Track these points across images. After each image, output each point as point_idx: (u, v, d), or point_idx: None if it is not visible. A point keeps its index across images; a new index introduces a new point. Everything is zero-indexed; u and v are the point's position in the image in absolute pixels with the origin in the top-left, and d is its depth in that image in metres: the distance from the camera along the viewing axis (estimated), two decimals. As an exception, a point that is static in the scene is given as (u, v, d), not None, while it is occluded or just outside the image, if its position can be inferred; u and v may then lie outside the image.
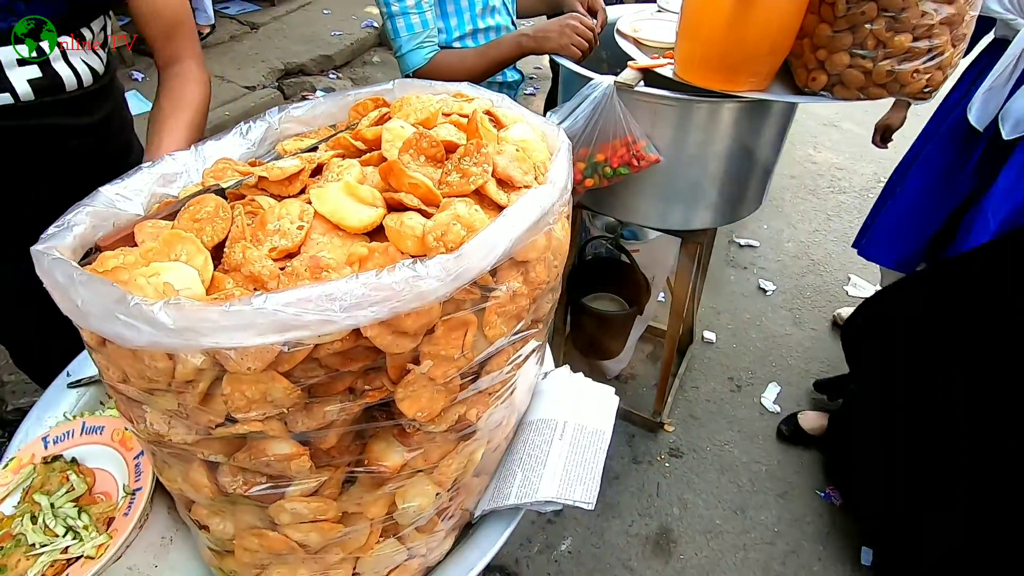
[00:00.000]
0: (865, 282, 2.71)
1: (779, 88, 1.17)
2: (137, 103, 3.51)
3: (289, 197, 0.58)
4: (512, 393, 0.64)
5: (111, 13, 0.94)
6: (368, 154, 0.58)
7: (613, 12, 1.63)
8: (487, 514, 0.73)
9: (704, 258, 2.08)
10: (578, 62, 1.36)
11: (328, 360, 0.45)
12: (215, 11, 4.47)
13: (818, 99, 1.13)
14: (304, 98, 4.02)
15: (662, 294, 2.49)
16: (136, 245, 0.54)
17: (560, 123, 1.31)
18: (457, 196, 0.51)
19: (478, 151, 0.52)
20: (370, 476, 0.55)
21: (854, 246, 2.12)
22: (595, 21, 1.47)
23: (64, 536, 0.56)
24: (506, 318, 0.54)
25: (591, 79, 1.27)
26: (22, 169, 0.93)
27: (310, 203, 0.49)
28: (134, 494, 0.62)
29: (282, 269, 0.44)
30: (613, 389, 0.82)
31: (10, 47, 0.80)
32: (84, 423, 0.72)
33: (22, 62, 0.82)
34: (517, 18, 1.69)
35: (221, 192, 0.63)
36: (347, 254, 0.45)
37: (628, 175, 1.34)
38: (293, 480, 0.51)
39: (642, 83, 1.25)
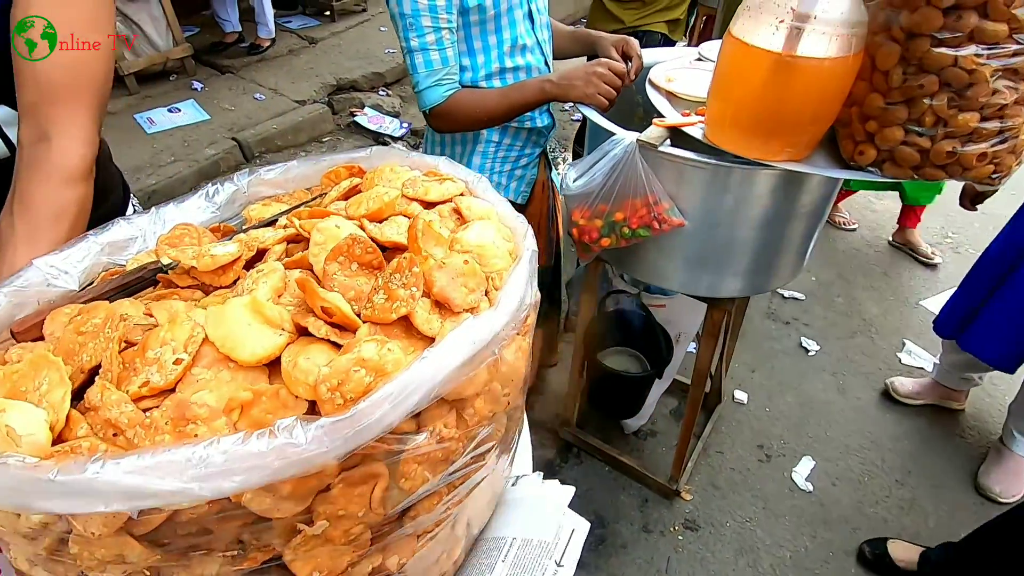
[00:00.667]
0: (922, 350, 2.48)
1: (821, 159, 1.05)
2: (194, 112, 3.66)
3: (218, 292, 0.52)
4: (453, 527, 0.56)
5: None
6: (300, 252, 0.51)
7: (651, 56, 1.53)
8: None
9: (735, 321, 1.94)
10: (605, 111, 1.28)
11: (197, 520, 0.38)
12: (277, 25, 4.62)
13: (866, 175, 1.00)
14: (352, 114, 4.07)
15: (693, 344, 2.35)
16: (43, 337, 0.49)
17: (578, 178, 1.23)
18: (378, 323, 0.43)
19: (409, 269, 0.44)
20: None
21: (937, 329, 1.93)
22: (629, 66, 1.38)
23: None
24: (431, 464, 0.45)
25: (613, 134, 1.18)
26: None
27: (204, 323, 0.42)
28: None
29: (147, 410, 0.38)
30: (568, 490, 0.71)
31: None
32: None
33: None
34: (553, 59, 1.62)
35: (163, 270, 0.58)
36: (227, 399, 0.38)
37: (648, 237, 1.24)
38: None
39: (668, 142, 1.15)
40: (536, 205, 1.71)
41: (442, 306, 0.46)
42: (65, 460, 0.34)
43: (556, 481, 0.76)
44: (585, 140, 1.54)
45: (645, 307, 1.69)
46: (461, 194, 0.61)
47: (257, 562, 0.41)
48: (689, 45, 2.65)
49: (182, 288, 0.54)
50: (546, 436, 2.15)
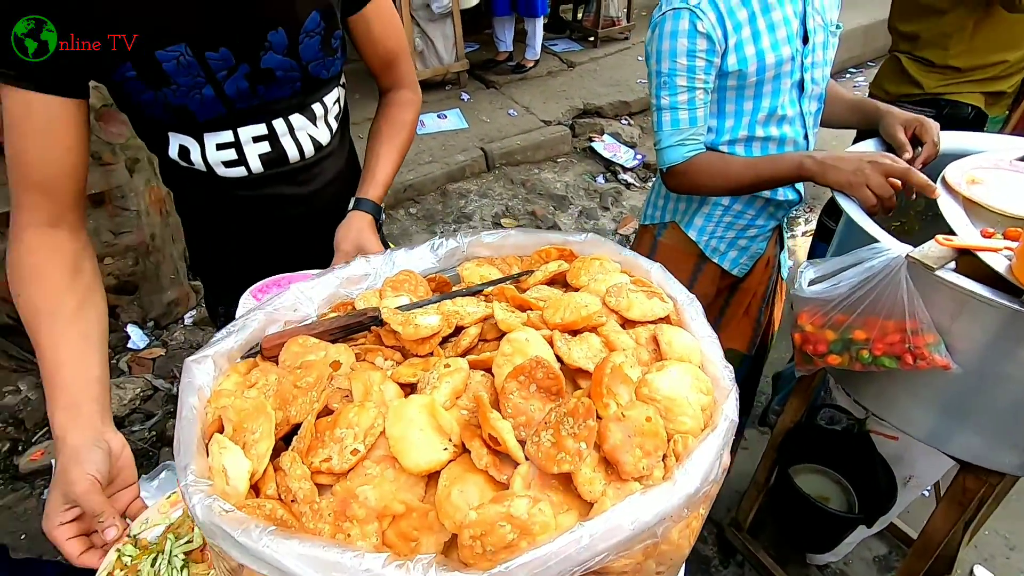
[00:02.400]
0: None
1: None
2: (456, 120, 4.14)
3: (414, 360, 0.56)
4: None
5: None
6: (489, 352, 0.51)
7: (954, 141, 1.25)
8: None
9: (1000, 492, 1.49)
10: (871, 213, 1.07)
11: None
12: (543, 47, 4.97)
13: None
14: (590, 139, 4.19)
15: (928, 490, 1.88)
16: (276, 362, 0.58)
17: (817, 280, 1.06)
18: (539, 466, 0.41)
19: (584, 420, 0.41)
20: None
21: None
22: (918, 152, 1.15)
23: None
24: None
25: (876, 241, 0.98)
26: (246, 231, 1.02)
27: (384, 417, 0.44)
28: None
29: (317, 492, 0.41)
30: None
31: (248, 127, 0.89)
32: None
33: (258, 139, 0.90)
34: (822, 126, 1.43)
35: (376, 321, 0.65)
36: (386, 505, 0.39)
37: (894, 369, 1.01)
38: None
39: (953, 265, 0.92)
40: (753, 282, 1.53)
41: (611, 464, 0.42)
42: (248, 522, 0.38)
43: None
44: (834, 239, 1.32)
45: (868, 436, 1.40)
46: (667, 318, 0.55)
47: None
48: (1003, 129, 2.08)
49: (386, 347, 0.59)
50: (710, 528, 1.93)
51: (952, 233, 0.95)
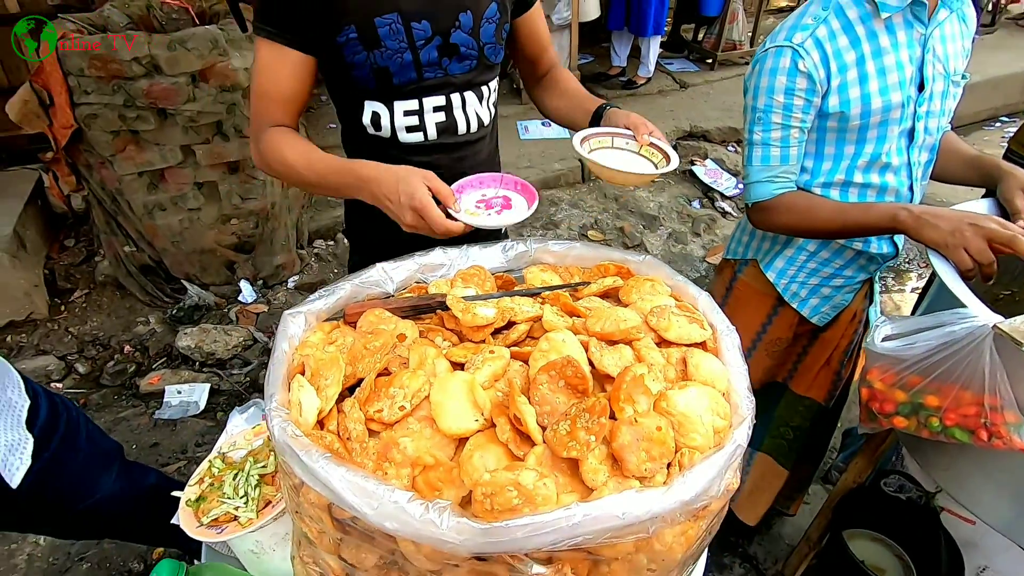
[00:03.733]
0: None
1: None
2: (559, 129, 4.21)
3: (468, 344, 0.64)
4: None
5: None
6: (531, 348, 0.58)
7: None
8: None
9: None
10: (966, 277, 1.01)
11: (367, 530, 0.49)
12: (658, 65, 4.94)
13: None
14: (692, 162, 4.13)
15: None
16: (355, 326, 0.68)
17: (893, 337, 1.02)
18: (552, 450, 0.47)
19: (597, 417, 0.46)
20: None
21: None
22: (1019, 231, 1.07)
23: (240, 498, 0.77)
24: (547, 596, 0.47)
25: (964, 307, 0.93)
26: None
27: (431, 385, 0.52)
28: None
29: (368, 436, 0.50)
30: None
31: (432, 97, 1.09)
32: None
33: (437, 109, 1.11)
34: (935, 180, 1.36)
35: (442, 305, 0.73)
36: (420, 455, 0.47)
37: (966, 443, 0.95)
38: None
39: (1047, 343, 0.85)
40: (836, 333, 1.47)
41: (618, 461, 0.47)
42: (311, 448, 0.47)
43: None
44: (931, 290, 1.25)
45: (936, 511, 1.30)
46: (703, 344, 0.59)
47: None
48: None
49: (446, 329, 0.67)
50: (753, 576, 1.87)
51: (1054, 310, 0.88)
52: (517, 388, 0.49)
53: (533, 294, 0.75)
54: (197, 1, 2.91)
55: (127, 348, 2.72)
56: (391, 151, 1.12)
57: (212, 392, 2.48)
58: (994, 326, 0.88)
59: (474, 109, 1.15)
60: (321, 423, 0.52)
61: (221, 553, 0.89)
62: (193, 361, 2.61)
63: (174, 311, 2.84)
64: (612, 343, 0.58)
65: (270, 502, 0.78)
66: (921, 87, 1.18)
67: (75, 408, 1.29)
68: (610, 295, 0.73)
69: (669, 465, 0.48)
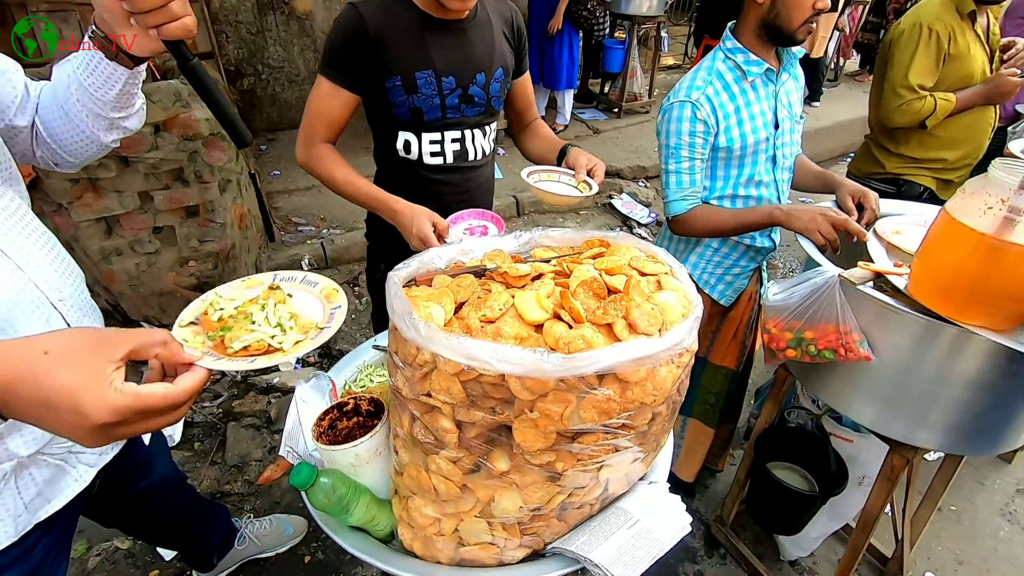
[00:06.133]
0: None
1: (1024, 334, 1.11)
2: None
3: (515, 288, 0.96)
4: (599, 470, 0.88)
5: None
6: (568, 278, 0.91)
7: (892, 207, 1.66)
8: (554, 554, 0.96)
9: (936, 487, 1.80)
10: (821, 250, 1.48)
11: (484, 385, 0.79)
12: (573, 115, 5.57)
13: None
14: (610, 196, 4.64)
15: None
16: (431, 285, 0.99)
17: (778, 293, 1.45)
18: (593, 323, 0.80)
19: (620, 302, 0.80)
20: (486, 471, 0.87)
21: None
22: (853, 217, 1.55)
23: (275, 327, 0.93)
24: (598, 411, 0.79)
25: (819, 266, 1.38)
26: (425, 203, 1.47)
27: (513, 297, 0.84)
28: (323, 329, 0.96)
29: (483, 326, 0.80)
30: (689, 520, 0.96)
31: (451, 131, 1.47)
32: (306, 275, 1.11)
33: (454, 141, 1.49)
34: (794, 189, 1.86)
35: (483, 272, 1.05)
36: (517, 333, 0.79)
37: (833, 360, 1.38)
38: (445, 447, 0.86)
39: (871, 284, 1.31)
40: (738, 311, 1.92)
41: (632, 327, 0.81)
42: (450, 333, 0.77)
43: (678, 498, 1.02)
44: (805, 260, 1.72)
45: (824, 430, 1.74)
46: (665, 273, 0.95)
47: (500, 420, 0.80)
48: None
49: (496, 282, 0.99)
50: (698, 527, 2.23)
51: (871, 262, 1.35)
52: (568, 293, 0.83)
53: (547, 261, 1.09)
54: (159, 59, 3.09)
55: (86, 392, 2.71)
56: (417, 169, 1.50)
57: (187, 424, 2.54)
58: (839, 275, 1.33)
59: (480, 143, 1.54)
60: (447, 326, 0.82)
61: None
62: (162, 398, 2.66)
63: (135, 353, 2.87)
64: (611, 274, 0.93)
65: (303, 337, 0.94)
66: (776, 126, 1.68)
67: None
68: (598, 257, 1.09)
69: (660, 330, 0.83)
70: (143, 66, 0.94)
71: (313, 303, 1.06)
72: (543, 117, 5.57)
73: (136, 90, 0.98)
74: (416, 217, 1.34)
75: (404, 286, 1.01)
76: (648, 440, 0.93)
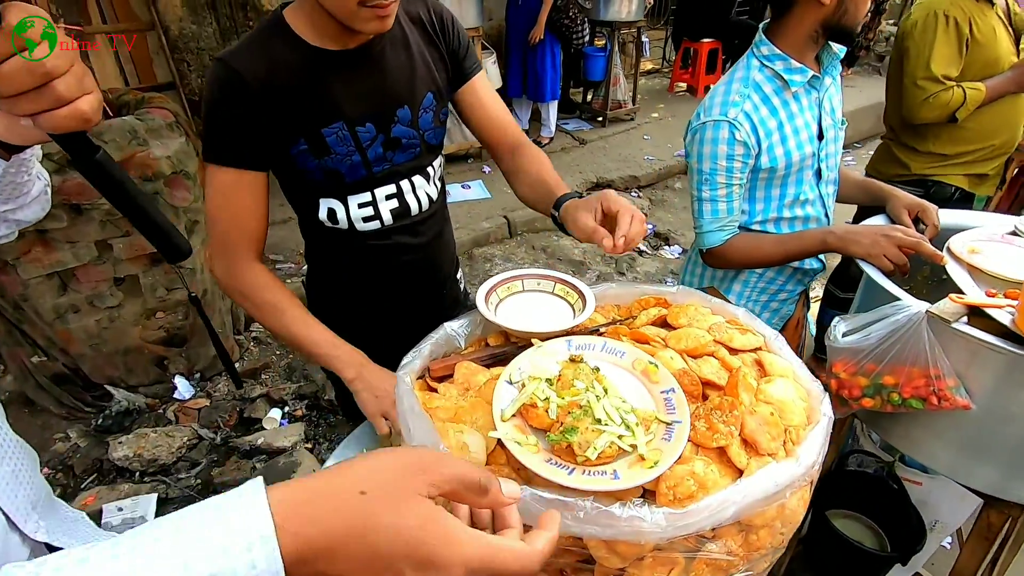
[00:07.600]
0: None
1: None
2: (480, 191, 4.44)
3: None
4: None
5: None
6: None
7: (952, 218, 1.47)
8: None
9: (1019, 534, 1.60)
10: (888, 275, 1.27)
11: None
12: (557, 126, 5.39)
13: None
14: (604, 210, 4.45)
15: (949, 539, 1.97)
16: (452, 376, 0.75)
17: (849, 333, 1.23)
18: (698, 445, 0.57)
19: (730, 411, 0.57)
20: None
21: None
22: (923, 228, 1.35)
23: (618, 425, 0.59)
24: (714, 569, 0.56)
25: (898, 299, 1.17)
26: (370, 275, 1.23)
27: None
28: (670, 424, 0.61)
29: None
30: None
31: (383, 187, 1.12)
32: (605, 342, 0.76)
33: (389, 197, 1.14)
34: (837, 202, 1.66)
35: (514, 353, 0.81)
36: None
37: (920, 409, 1.17)
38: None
39: (965, 319, 1.10)
40: (787, 339, 1.71)
41: (749, 445, 0.58)
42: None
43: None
44: (858, 291, 1.52)
45: (898, 479, 1.53)
46: (760, 348, 0.72)
47: (576, 592, 0.56)
48: (987, 207, 2.34)
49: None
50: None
51: (961, 294, 1.14)
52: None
53: (594, 332, 0.85)
54: (111, 94, 2.82)
55: (45, 470, 2.40)
56: (351, 241, 1.16)
57: (161, 502, 2.25)
58: (927, 311, 1.11)
59: (423, 190, 1.20)
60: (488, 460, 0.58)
61: None
62: (132, 472, 2.36)
63: (99, 421, 2.57)
64: (694, 357, 0.70)
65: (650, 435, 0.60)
66: (820, 136, 1.47)
67: None
68: (657, 323, 0.86)
69: (784, 443, 0.60)
70: (31, 151, 0.68)
71: (626, 380, 0.70)
72: (527, 131, 5.35)
73: (27, 177, 0.71)
74: (370, 402, 1.02)
75: (417, 378, 0.77)
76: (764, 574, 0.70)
